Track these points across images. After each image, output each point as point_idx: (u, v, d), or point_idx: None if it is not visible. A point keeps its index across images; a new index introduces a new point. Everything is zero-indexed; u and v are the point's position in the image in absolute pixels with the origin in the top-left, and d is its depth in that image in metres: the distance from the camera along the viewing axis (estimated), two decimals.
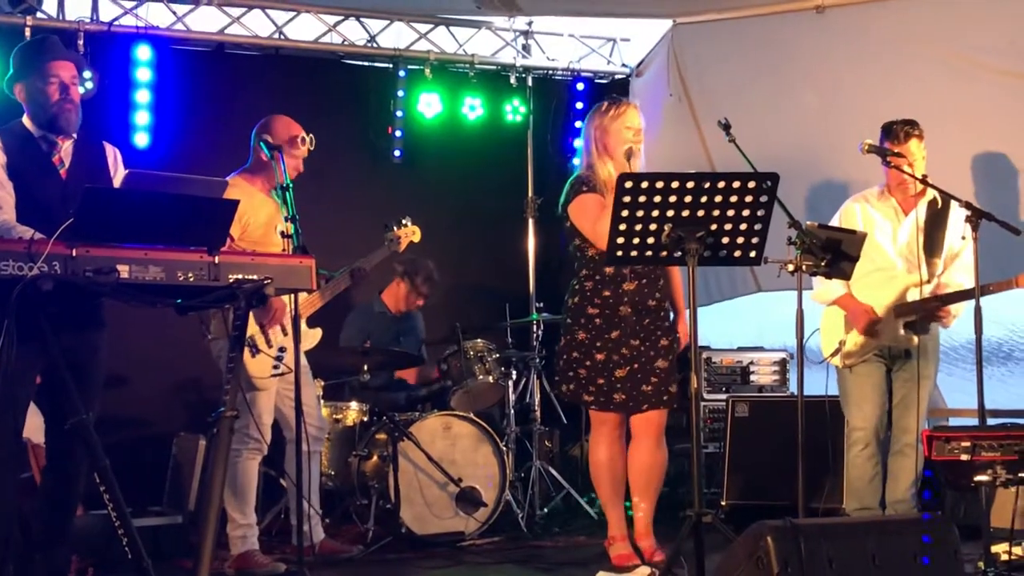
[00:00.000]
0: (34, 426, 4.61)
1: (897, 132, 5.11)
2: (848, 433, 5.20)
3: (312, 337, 5.38)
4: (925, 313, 5.08)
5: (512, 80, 7.85)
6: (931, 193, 5.16)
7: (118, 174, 4.42)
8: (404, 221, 5.73)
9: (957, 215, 5.13)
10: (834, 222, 5.20)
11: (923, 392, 5.13)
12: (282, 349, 5.06)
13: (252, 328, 4.98)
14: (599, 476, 5.00)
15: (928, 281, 5.10)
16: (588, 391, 4.91)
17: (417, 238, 5.78)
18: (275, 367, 5.00)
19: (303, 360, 5.18)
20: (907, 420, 5.16)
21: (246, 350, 4.88)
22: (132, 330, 6.07)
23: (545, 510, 6.35)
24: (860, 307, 5.12)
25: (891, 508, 5.13)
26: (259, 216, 5.00)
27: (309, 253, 4.08)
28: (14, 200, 4.12)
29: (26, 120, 4.30)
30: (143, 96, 6.76)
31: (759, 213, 4.02)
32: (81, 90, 4.43)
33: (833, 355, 5.18)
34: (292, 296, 4.37)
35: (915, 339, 5.11)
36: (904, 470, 5.15)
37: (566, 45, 8.08)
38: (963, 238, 5.02)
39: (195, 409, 6.66)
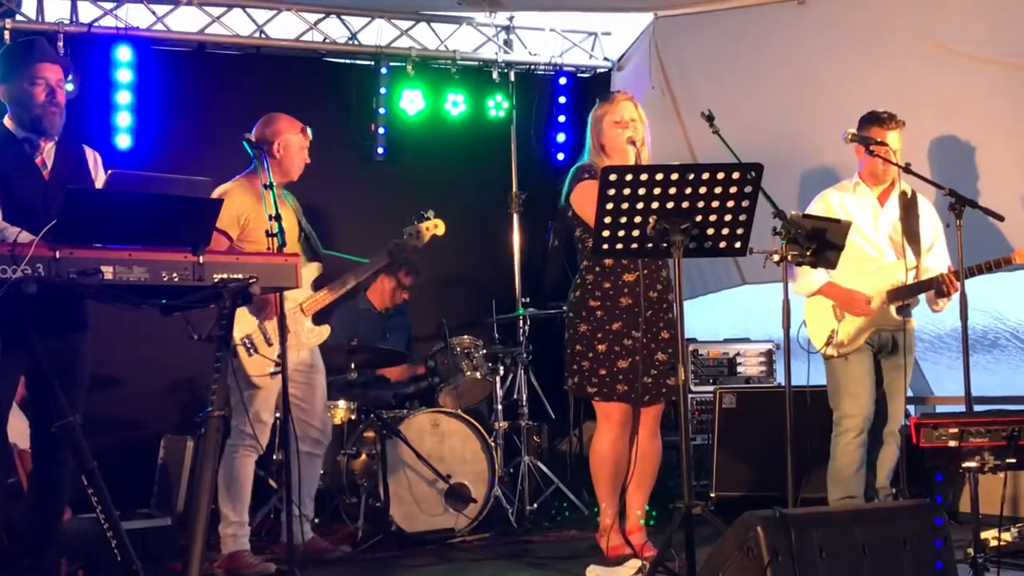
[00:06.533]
0: (19, 431, 4.58)
1: (883, 120, 5.11)
2: (839, 420, 5.17)
3: (319, 334, 5.30)
4: (917, 295, 5.11)
5: (494, 75, 7.85)
6: (902, 186, 5.19)
7: (99, 177, 4.40)
8: (426, 214, 5.50)
9: (926, 207, 5.21)
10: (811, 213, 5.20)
11: (907, 381, 5.19)
12: None
13: (251, 327, 4.96)
14: (599, 468, 4.96)
15: (916, 266, 5.14)
16: (591, 383, 4.89)
17: (441, 231, 5.50)
18: (276, 363, 4.96)
19: (317, 359, 5.27)
20: (893, 408, 5.20)
21: (243, 349, 4.86)
22: (120, 331, 6.07)
23: (535, 505, 6.35)
24: (850, 292, 5.13)
25: (875, 496, 5.15)
26: (261, 217, 4.94)
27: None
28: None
29: (7, 121, 4.28)
30: (124, 97, 6.72)
31: (744, 204, 4.03)
32: (69, 89, 4.41)
33: (827, 345, 5.17)
34: (278, 295, 4.35)
35: (912, 322, 5.15)
36: (889, 457, 5.18)
37: (548, 40, 8.08)
38: (947, 226, 5.03)
39: (183, 411, 6.64)
